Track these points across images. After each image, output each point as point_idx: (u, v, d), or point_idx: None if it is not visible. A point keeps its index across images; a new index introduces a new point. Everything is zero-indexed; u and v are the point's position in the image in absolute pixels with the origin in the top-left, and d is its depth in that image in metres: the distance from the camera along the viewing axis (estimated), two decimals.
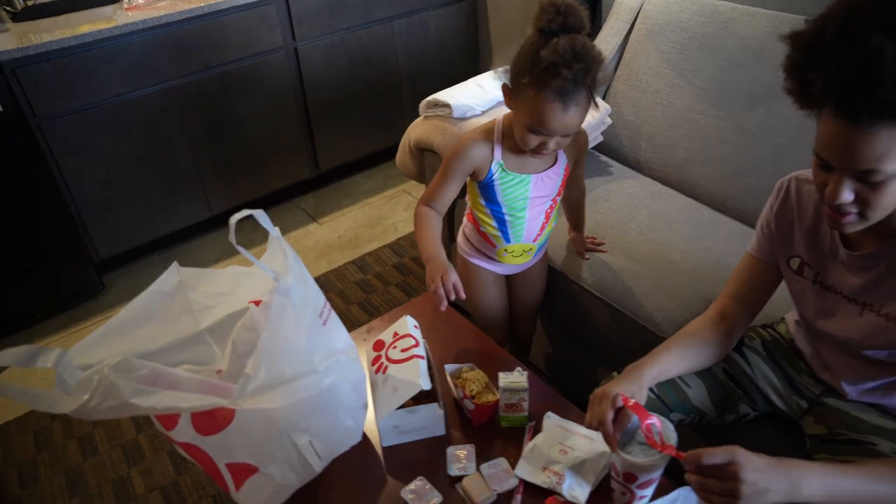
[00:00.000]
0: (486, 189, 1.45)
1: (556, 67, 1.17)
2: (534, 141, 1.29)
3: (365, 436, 1.24)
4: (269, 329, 1.00)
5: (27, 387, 0.91)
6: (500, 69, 1.35)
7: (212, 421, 1.00)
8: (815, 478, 0.90)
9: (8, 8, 2.32)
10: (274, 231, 1.14)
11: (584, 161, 1.58)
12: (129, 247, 2.55)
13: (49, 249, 2.29)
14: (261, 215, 1.11)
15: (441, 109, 1.99)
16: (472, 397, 1.23)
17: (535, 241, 1.53)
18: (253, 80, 2.57)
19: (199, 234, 2.76)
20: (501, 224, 1.49)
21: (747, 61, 1.80)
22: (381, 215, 2.84)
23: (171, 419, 0.99)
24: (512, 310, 1.74)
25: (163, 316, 1.16)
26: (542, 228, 1.52)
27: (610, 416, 1.00)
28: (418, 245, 1.44)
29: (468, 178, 1.48)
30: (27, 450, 1.91)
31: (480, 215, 1.51)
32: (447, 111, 1.97)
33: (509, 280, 1.68)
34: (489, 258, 1.59)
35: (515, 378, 1.22)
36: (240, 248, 1.08)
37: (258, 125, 2.66)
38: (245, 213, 1.10)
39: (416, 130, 2.04)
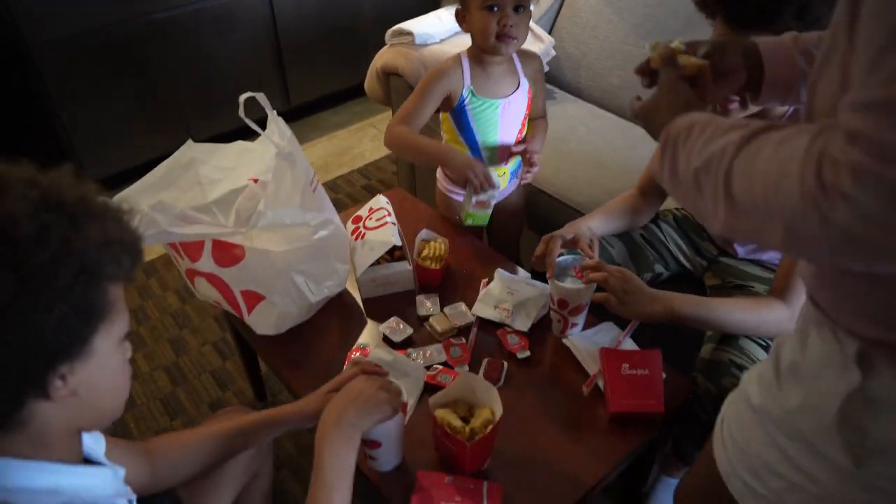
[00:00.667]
0: (459, 116, 1.59)
1: None
2: (493, 21, 1.40)
3: (347, 291, 1.50)
4: (273, 183, 1.25)
5: None
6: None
7: (228, 255, 1.25)
8: (687, 300, 1.22)
9: None
10: (272, 112, 1.37)
11: (542, 86, 1.69)
12: (114, 171, 2.72)
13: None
14: (262, 97, 1.34)
15: (405, 37, 2.23)
16: (421, 258, 1.48)
17: (507, 164, 1.69)
18: (229, 18, 2.75)
19: None
20: (475, 151, 1.64)
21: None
22: (348, 146, 3.07)
23: (196, 251, 1.24)
24: (495, 240, 1.88)
25: (178, 185, 1.40)
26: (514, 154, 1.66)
27: (555, 252, 1.30)
28: (418, 151, 1.56)
29: (443, 113, 1.62)
30: None
31: (456, 146, 1.65)
32: (410, 38, 2.21)
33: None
34: (457, 185, 1.71)
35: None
36: (247, 121, 1.32)
37: (234, 61, 2.84)
38: (249, 94, 1.33)
39: (383, 57, 2.27)
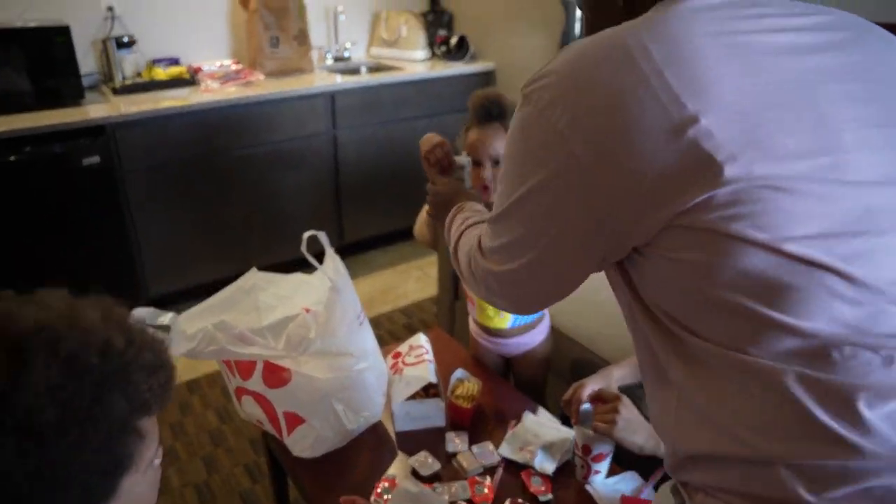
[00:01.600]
0: None
1: (474, 109, 1.62)
2: (475, 174, 1.62)
3: (381, 423, 1.56)
4: (324, 314, 1.37)
5: None
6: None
7: (277, 377, 1.34)
8: None
9: (110, 84, 2.84)
10: (330, 249, 1.52)
11: None
12: (176, 289, 2.92)
13: (108, 282, 2.66)
14: (322, 236, 1.50)
15: None
16: (454, 396, 1.54)
17: None
18: (297, 158, 3.04)
19: None
20: None
21: None
22: (393, 285, 3.22)
23: (248, 370, 1.34)
24: (521, 384, 1.90)
25: (239, 307, 1.53)
26: None
27: (585, 395, 1.38)
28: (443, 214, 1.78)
29: None
30: None
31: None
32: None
33: (512, 362, 1.88)
34: (488, 334, 1.80)
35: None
36: (307, 255, 1.46)
37: (297, 196, 3.11)
38: (311, 232, 1.48)
39: None
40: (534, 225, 0.74)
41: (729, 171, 0.60)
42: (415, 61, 3.57)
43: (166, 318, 1.32)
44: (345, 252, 3.47)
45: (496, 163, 1.63)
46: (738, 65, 0.64)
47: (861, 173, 0.64)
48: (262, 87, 2.95)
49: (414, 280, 3.27)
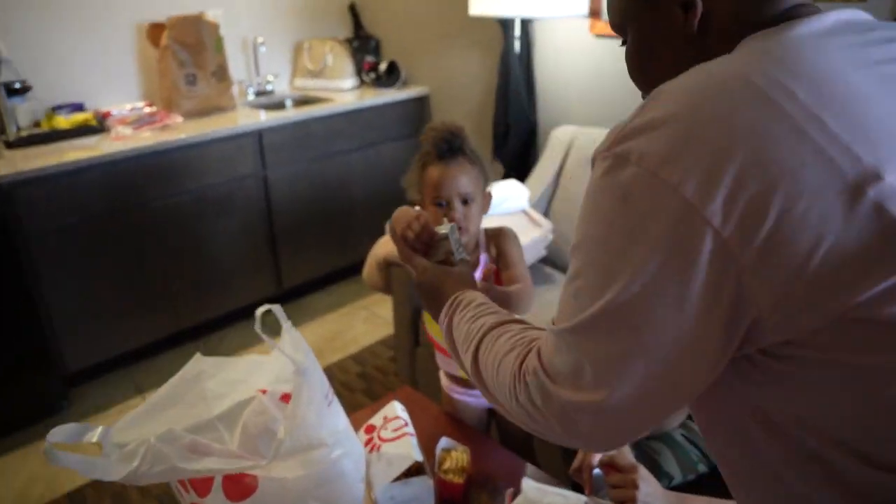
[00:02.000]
0: None
1: (432, 143, 1.45)
2: (441, 215, 1.45)
3: None
4: (291, 405, 1.17)
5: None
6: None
7: (240, 489, 1.13)
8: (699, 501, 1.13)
9: (3, 137, 2.51)
10: (287, 323, 1.32)
11: (515, 256, 1.62)
12: (99, 360, 2.61)
13: (18, 361, 2.35)
14: (278, 309, 1.30)
15: None
16: (443, 472, 1.39)
17: None
18: (225, 204, 2.79)
19: (169, 348, 2.85)
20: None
21: None
22: (340, 329, 3.01)
23: (205, 486, 1.12)
24: (507, 437, 1.78)
25: (185, 401, 1.30)
26: None
27: (595, 461, 1.23)
28: (435, 309, 1.65)
29: None
30: None
31: (430, 326, 1.65)
32: None
33: (495, 414, 1.76)
34: (465, 387, 1.67)
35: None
36: (264, 336, 1.26)
37: (228, 244, 2.85)
38: (267, 307, 1.28)
39: (385, 247, 2.28)
40: (648, 333, 0.56)
41: None
42: (343, 91, 3.39)
43: (94, 434, 1.09)
44: (284, 298, 3.23)
45: (465, 202, 1.48)
46: None
47: None
48: (181, 129, 2.69)
49: (362, 321, 3.07)
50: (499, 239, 1.64)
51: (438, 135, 1.48)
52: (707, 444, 0.69)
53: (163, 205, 2.61)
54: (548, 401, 0.63)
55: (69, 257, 2.41)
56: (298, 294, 3.29)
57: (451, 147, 1.47)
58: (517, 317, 0.79)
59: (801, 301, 0.50)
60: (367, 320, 3.07)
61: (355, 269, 3.40)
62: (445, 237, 1.15)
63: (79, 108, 2.88)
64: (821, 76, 0.52)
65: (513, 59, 2.72)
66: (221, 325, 3.01)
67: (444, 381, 1.74)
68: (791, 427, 0.57)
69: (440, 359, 1.70)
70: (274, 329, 1.40)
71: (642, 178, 0.54)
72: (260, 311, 1.27)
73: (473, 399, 1.68)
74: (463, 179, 1.47)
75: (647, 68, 0.73)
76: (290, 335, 1.33)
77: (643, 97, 0.71)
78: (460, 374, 1.64)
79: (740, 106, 0.52)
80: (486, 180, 1.53)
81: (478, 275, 1.61)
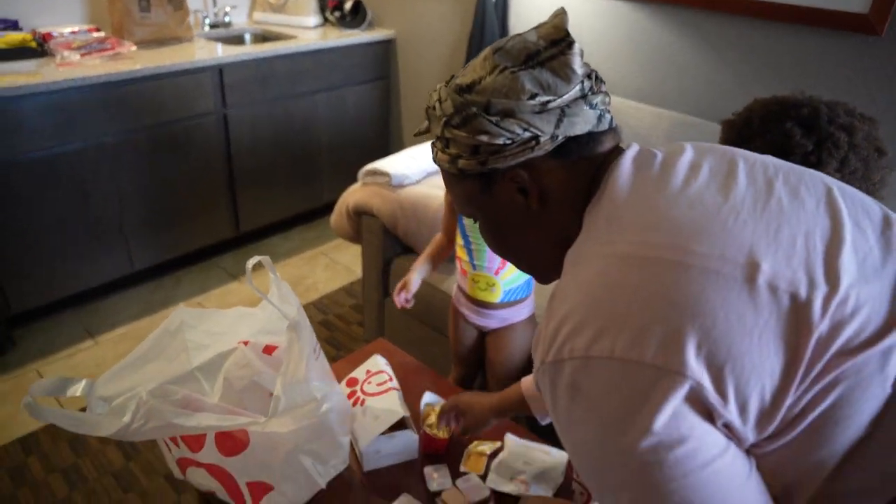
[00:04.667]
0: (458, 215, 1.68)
1: None
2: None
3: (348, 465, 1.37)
4: (285, 361, 1.14)
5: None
6: None
7: (233, 443, 1.11)
8: None
9: None
10: (276, 276, 1.28)
11: None
12: (45, 301, 2.48)
13: None
14: (267, 261, 1.26)
15: (380, 177, 2.21)
16: (428, 426, 1.40)
17: (496, 274, 1.67)
18: (183, 142, 2.66)
19: (120, 290, 2.74)
20: (468, 247, 1.66)
21: None
22: (301, 275, 2.96)
23: (198, 442, 1.09)
24: (488, 370, 1.86)
25: (166, 354, 1.26)
26: (504, 263, 1.67)
27: None
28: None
29: None
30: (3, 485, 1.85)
31: (457, 243, 1.70)
32: (386, 179, 2.19)
33: (487, 338, 1.81)
34: (474, 304, 1.73)
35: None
36: (254, 288, 1.22)
37: (185, 185, 2.73)
38: (256, 258, 1.24)
39: (356, 196, 2.23)
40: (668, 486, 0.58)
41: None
42: (305, 28, 3.23)
43: (78, 388, 1.04)
44: (242, 242, 3.14)
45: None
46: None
47: None
48: (135, 59, 2.51)
49: (322, 268, 3.02)
50: None
51: None
52: None
53: (115, 141, 2.46)
54: None
55: (9, 194, 2.25)
56: (256, 237, 3.21)
57: None
58: None
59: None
60: (328, 267, 3.02)
61: (316, 213, 3.34)
62: None
63: (13, 25, 2.65)
64: (662, 214, 0.63)
65: (489, 7, 2.65)
66: (176, 266, 2.90)
67: (456, 296, 1.82)
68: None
69: (458, 277, 1.77)
70: (234, 273, 1.35)
71: (578, 369, 0.60)
72: (251, 262, 1.22)
73: (477, 317, 1.77)
74: None
75: (505, 244, 0.81)
76: (279, 288, 1.29)
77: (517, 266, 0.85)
78: (477, 296, 1.72)
79: (629, 274, 0.60)
80: None
81: None
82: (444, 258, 1.82)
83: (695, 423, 0.56)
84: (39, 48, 2.52)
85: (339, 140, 3.25)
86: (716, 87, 2.25)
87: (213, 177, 2.82)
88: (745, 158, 0.71)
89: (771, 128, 1.12)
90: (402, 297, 1.73)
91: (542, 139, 0.69)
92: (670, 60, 2.33)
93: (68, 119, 2.32)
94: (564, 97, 0.69)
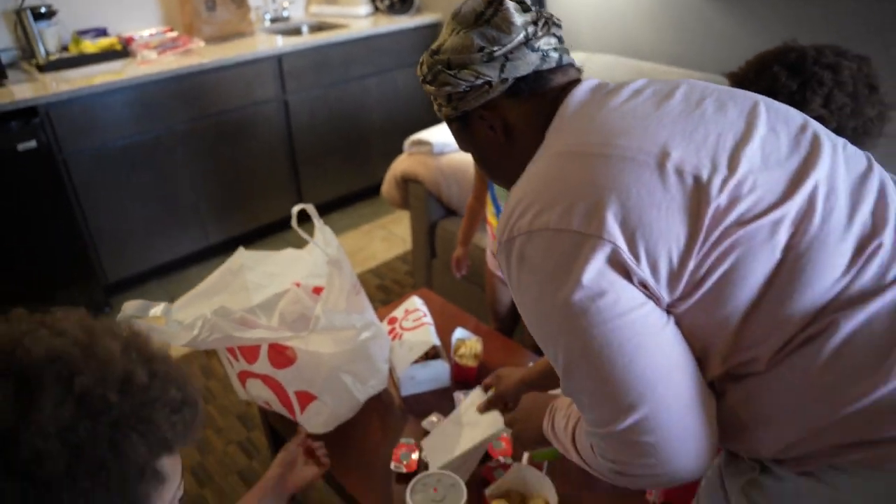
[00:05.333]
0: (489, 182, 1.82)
1: None
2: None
3: (387, 391, 1.55)
4: (325, 289, 1.33)
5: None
6: None
7: (282, 358, 1.31)
8: None
9: (33, 61, 2.63)
10: (319, 221, 1.48)
11: None
12: (134, 272, 2.80)
13: (64, 272, 2.54)
14: (311, 209, 1.45)
15: (423, 146, 2.39)
16: (458, 356, 1.56)
17: None
18: (248, 127, 2.92)
19: (197, 262, 3.04)
20: (498, 213, 1.79)
21: None
22: (359, 247, 3.18)
23: (253, 355, 1.30)
24: (525, 327, 2.00)
25: (229, 290, 1.47)
26: None
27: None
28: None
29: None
30: None
31: (488, 211, 1.83)
32: (428, 147, 2.36)
33: None
34: None
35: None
36: (298, 230, 1.42)
37: (251, 166, 3.00)
38: (301, 206, 1.43)
39: (402, 165, 2.42)
40: (616, 350, 0.71)
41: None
42: (358, 17, 3.45)
43: (158, 309, 1.26)
44: (305, 218, 3.37)
45: None
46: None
47: None
48: (203, 54, 2.79)
49: (379, 240, 3.23)
50: None
51: None
52: None
53: (188, 128, 2.74)
54: (609, 443, 0.75)
55: (104, 175, 2.56)
56: (318, 213, 3.44)
57: None
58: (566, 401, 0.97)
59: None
60: (385, 239, 3.23)
61: (372, 190, 3.55)
62: None
63: (102, 32, 2.97)
64: (598, 122, 0.77)
65: None
66: (246, 241, 3.17)
67: (490, 261, 1.95)
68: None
69: (489, 242, 1.92)
70: (298, 246, 1.56)
71: (525, 240, 0.74)
72: (296, 208, 1.42)
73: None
74: None
75: (493, 172, 0.97)
76: (323, 232, 1.49)
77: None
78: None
79: (563, 166, 0.76)
80: None
81: None
82: (479, 220, 1.96)
83: (615, 280, 0.70)
84: (123, 50, 2.83)
85: (390, 120, 3.44)
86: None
87: (277, 158, 3.08)
88: (690, 85, 0.82)
89: (762, 75, 1.21)
90: (461, 269, 1.95)
91: (493, 83, 0.84)
92: (708, 26, 2.40)
93: (147, 110, 2.61)
94: (507, 46, 0.83)
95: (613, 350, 0.70)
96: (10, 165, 2.31)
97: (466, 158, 2.31)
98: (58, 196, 2.44)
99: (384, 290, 2.82)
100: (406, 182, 2.41)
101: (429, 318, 1.61)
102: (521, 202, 0.76)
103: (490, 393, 1.34)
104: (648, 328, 0.71)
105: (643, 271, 0.70)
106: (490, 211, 1.83)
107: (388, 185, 2.51)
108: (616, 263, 0.70)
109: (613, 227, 0.69)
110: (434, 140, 2.35)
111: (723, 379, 0.75)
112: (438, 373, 1.54)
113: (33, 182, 2.38)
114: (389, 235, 3.26)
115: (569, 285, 0.70)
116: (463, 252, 1.96)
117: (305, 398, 1.34)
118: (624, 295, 0.70)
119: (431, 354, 1.58)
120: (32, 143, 2.34)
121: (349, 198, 3.54)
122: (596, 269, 0.69)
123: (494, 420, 1.26)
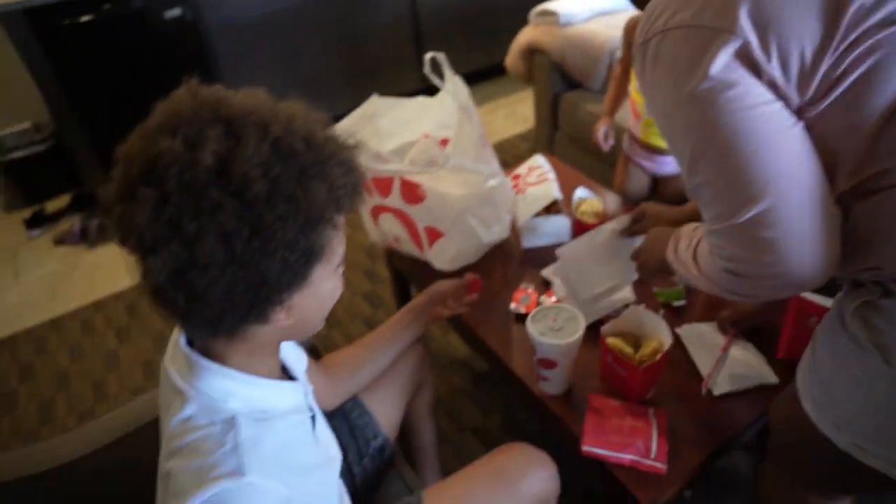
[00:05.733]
0: None
1: None
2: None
3: (508, 241, 1.60)
4: (455, 134, 1.37)
5: None
6: None
7: (414, 195, 1.38)
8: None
9: None
10: (450, 71, 1.50)
11: None
12: None
13: None
14: (442, 58, 1.47)
15: (549, 17, 2.32)
16: (580, 213, 1.57)
17: None
18: (373, 1, 2.94)
19: None
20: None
21: None
22: (483, 123, 3.18)
23: (387, 189, 1.39)
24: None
25: (361, 134, 1.55)
26: None
27: None
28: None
29: None
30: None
31: (631, 85, 1.77)
32: (554, 18, 2.29)
33: (658, 183, 1.89)
34: (647, 150, 1.81)
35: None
36: (430, 76, 1.45)
37: (376, 40, 3.04)
38: (433, 54, 1.46)
39: (527, 35, 2.37)
40: (740, 149, 0.70)
41: None
42: None
43: None
44: (429, 93, 3.41)
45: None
46: None
47: None
48: None
49: (503, 118, 3.23)
50: None
51: None
52: None
53: (315, 1, 2.80)
54: (729, 239, 0.76)
55: (243, 50, 2.70)
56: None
57: None
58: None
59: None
60: (508, 117, 3.23)
61: (497, 68, 3.51)
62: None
63: None
64: None
65: None
66: None
67: (627, 146, 1.90)
68: None
69: (630, 121, 1.84)
70: None
71: (660, 38, 0.73)
72: (428, 56, 1.45)
73: (649, 163, 1.83)
74: None
75: None
76: (453, 82, 1.51)
77: None
78: (650, 140, 1.78)
79: None
80: None
81: None
82: (625, 92, 1.85)
83: (743, 75, 0.68)
84: None
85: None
86: None
87: (401, 33, 3.10)
88: None
89: None
90: (609, 140, 1.87)
91: None
92: None
93: None
94: None
95: (740, 138, 0.70)
96: (157, 32, 2.48)
97: (595, 28, 2.23)
98: (202, 62, 2.61)
99: (505, 164, 2.81)
100: (531, 53, 2.37)
101: (551, 174, 1.63)
102: (657, 6, 0.75)
103: (627, 219, 1.34)
104: (776, 124, 0.70)
105: (773, 69, 0.68)
106: (634, 85, 1.77)
107: (512, 57, 2.48)
108: (745, 58, 0.68)
109: (746, 22, 0.67)
110: (561, 10, 2.28)
111: (850, 195, 0.73)
112: (559, 227, 1.57)
113: (178, 49, 2.55)
114: (512, 113, 3.25)
115: (697, 77, 0.70)
116: (609, 122, 1.88)
117: (434, 234, 1.42)
118: (753, 90, 0.69)
119: (553, 209, 1.61)
120: (177, 11, 2.49)
121: (473, 75, 3.52)
122: (723, 63, 0.68)
123: (628, 266, 1.27)
